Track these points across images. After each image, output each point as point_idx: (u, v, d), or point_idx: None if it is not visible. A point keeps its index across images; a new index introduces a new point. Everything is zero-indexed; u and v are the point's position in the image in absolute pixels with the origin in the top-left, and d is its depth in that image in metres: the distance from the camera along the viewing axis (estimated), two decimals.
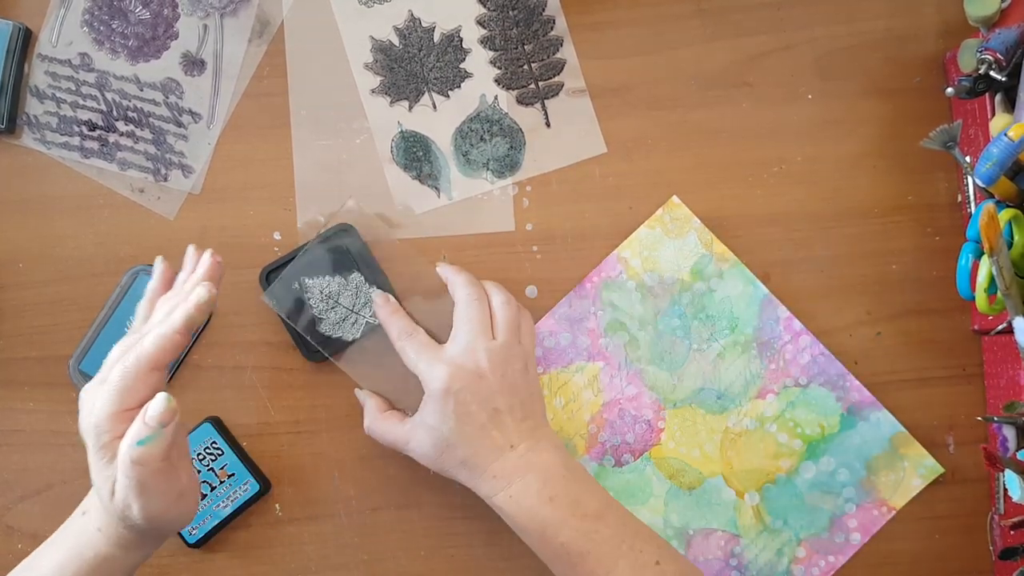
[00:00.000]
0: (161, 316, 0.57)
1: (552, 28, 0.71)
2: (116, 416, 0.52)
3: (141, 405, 0.52)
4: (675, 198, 0.69)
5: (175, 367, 0.69)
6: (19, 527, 0.69)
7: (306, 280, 0.67)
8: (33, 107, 0.71)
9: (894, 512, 0.68)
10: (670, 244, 0.69)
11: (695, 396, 0.69)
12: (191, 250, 0.63)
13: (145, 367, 0.53)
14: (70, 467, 0.70)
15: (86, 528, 0.56)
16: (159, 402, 0.51)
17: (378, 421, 0.65)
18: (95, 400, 0.53)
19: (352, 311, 0.67)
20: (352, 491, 0.69)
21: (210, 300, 0.55)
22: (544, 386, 0.69)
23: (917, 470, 0.68)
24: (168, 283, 0.62)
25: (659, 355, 0.69)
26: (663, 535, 0.68)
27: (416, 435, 0.63)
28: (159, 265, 0.63)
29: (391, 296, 0.67)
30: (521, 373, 0.63)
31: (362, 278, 0.67)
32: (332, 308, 0.66)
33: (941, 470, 0.68)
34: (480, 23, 0.71)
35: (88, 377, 0.68)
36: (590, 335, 0.69)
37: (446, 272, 0.66)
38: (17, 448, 0.70)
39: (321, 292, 0.66)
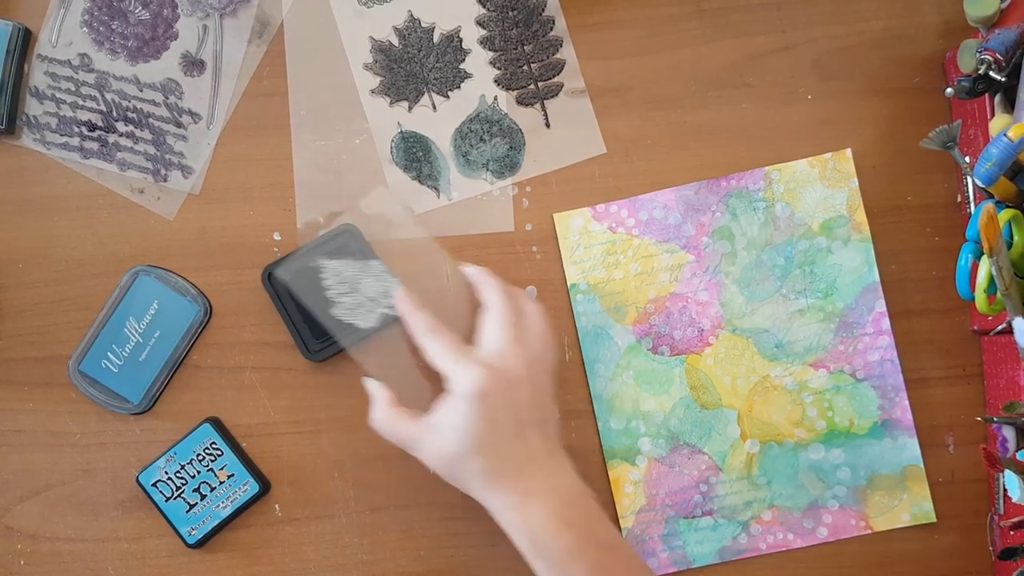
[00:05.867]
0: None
1: (552, 28, 0.71)
2: None
3: None
4: (849, 152, 0.69)
5: (175, 367, 0.69)
6: (19, 527, 0.69)
7: (324, 261, 0.64)
8: (33, 107, 0.71)
9: (870, 532, 0.68)
10: (819, 189, 0.69)
11: (756, 333, 0.69)
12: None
13: None
14: (70, 467, 0.70)
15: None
16: None
17: (390, 416, 0.61)
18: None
19: (370, 299, 0.64)
20: (352, 491, 0.69)
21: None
22: (629, 247, 0.69)
23: (911, 507, 0.68)
24: None
25: (747, 280, 0.69)
26: (657, 431, 0.68)
27: (430, 436, 0.59)
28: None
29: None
30: (547, 388, 0.61)
31: (383, 266, 0.64)
32: (348, 293, 0.64)
33: (933, 518, 0.68)
34: (480, 23, 0.71)
35: (88, 377, 0.69)
36: (698, 228, 0.69)
37: (474, 274, 0.64)
38: (17, 448, 0.70)
39: (339, 275, 0.64)
